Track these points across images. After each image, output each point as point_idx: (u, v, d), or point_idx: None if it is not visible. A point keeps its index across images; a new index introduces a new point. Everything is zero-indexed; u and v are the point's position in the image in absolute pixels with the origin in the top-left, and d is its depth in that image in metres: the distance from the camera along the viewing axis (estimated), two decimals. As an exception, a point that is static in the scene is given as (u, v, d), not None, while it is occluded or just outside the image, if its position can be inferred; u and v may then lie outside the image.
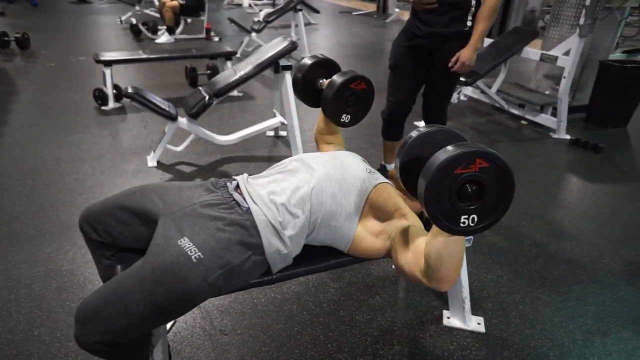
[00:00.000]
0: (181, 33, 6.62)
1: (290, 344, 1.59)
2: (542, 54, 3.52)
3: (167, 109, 2.66)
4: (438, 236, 1.05)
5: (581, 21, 3.16)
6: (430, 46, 2.17)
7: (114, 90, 3.71)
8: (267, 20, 5.63)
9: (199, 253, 1.08)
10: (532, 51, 3.63)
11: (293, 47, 2.78)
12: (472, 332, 1.67)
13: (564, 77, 3.35)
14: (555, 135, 3.60)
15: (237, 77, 2.72)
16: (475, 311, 1.74)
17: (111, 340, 1.00)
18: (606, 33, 3.86)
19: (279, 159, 2.99)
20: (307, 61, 1.69)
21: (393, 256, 1.26)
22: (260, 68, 2.73)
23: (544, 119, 3.72)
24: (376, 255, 1.34)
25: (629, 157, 3.43)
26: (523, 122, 3.92)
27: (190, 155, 2.96)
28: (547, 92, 4.14)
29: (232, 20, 5.81)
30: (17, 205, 2.31)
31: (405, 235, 1.23)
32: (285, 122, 3.00)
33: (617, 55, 4.57)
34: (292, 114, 2.91)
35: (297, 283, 1.88)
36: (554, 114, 3.73)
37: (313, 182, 1.26)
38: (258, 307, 1.74)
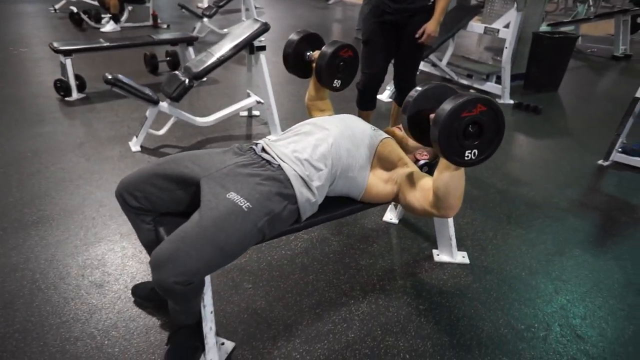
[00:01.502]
0: (126, 21, 6.42)
1: (309, 289, 1.80)
2: (485, 27, 3.89)
3: (149, 93, 2.71)
4: (444, 172, 1.30)
5: (518, -4, 3.55)
6: (399, 21, 2.41)
7: (77, 81, 3.64)
8: (219, 5, 5.63)
9: (248, 203, 1.26)
10: (476, 25, 3.99)
11: (266, 28, 2.91)
12: (459, 264, 1.97)
13: (506, 48, 3.75)
14: (500, 101, 4.03)
15: (214, 59, 2.82)
16: (458, 248, 2.04)
17: (185, 280, 1.16)
18: (534, 8, 4.32)
19: (257, 136, 3.21)
20: (295, 37, 1.88)
21: (401, 197, 1.51)
22: (237, 49, 2.85)
23: (490, 86, 4.13)
24: (384, 200, 1.57)
25: (563, 116, 3.92)
26: (472, 90, 4.31)
27: (171, 138, 3.03)
28: (489, 63, 4.57)
29: (182, 6, 5.74)
30: (9, 196, 2.30)
31: (410, 179, 1.47)
32: (262, 101, 3.14)
33: (543, 28, 5.10)
34: (268, 93, 3.06)
35: (302, 240, 2.08)
36: (497, 82, 4.16)
37: (331, 140, 1.47)
38: (272, 263, 1.93)
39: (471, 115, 1.17)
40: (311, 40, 1.90)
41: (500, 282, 1.88)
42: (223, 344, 1.51)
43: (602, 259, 2.05)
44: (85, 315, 1.61)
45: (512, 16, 3.66)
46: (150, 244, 1.51)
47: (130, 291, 1.72)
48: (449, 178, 1.30)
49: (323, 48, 1.76)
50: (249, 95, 3.27)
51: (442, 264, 1.97)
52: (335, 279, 1.86)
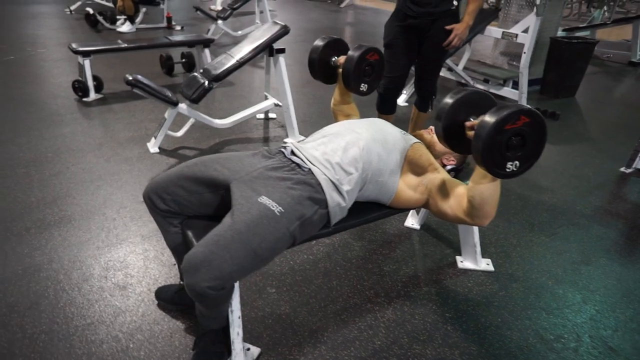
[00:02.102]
0: (141, 22, 6.46)
1: (333, 294, 1.78)
2: (503, 32, 3.85)
3: (169, 94, 2.71)
4: (481, 181, 1.28)
5: (538, 1, 3.51)
6: (422, 25, 2.40)
7: (94, 82, 3.66)
8: (233, 7, 5.65)
9: (280, 207, 1.25)
10: (494, 30, 3.96)
11: (286, 30, 2.91)
12: (483, 272, 1.94)
13: (524, 53, 3.71)
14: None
15: (234, 61, 2.82)
16: (482, 255, 2.01)
17: (219, 285, 1.14)
18: (551, 14, 4.28)
19: (274, 139, 3.20)
20: (319, 43, 1.87)
21: (431, 204, 1.49)
22: (256, 52, 2.85)
23: (507, 92, 4.09)
24: (414, 206, 1.56)
25: (582, 122, 3.87)
26: (488, 95, 4.27)
27: (189, 140, 3.03)
28: (505, 68, 4.53)
29: (197, 8, 5.76)
30: (31, 196, 2.31)
31: (442, 186, 1.45)
32: (280, 104, 3.13)
33: (558, 33, 5.05)
34: (287, 95, 3.05)
35: (324, 244, 2.06)
36: (514, 87, 4.12)
37: (362, 143, 1.45)
38: (295, 267, 1.91)
39: (515, 127, 1.15)
40: (336, 45, 1.89)
41: (526, 290, 1.84)
42: (249, 349, 1.49)
43: (630, 269, 2.01)
44: (109, 317, 1.61)
45: (531, 21, 3.62)
46: (177, 247, 1.50)
47: (153, 294, 1.71)
48: (485, 188, 1.28)
49: (349, 52, 1.74)
50: (266, 98, 3.27)
51: (466, 271, 1.94)
52: (359, 284, 1.84)
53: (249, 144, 3.09)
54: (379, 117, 2.79)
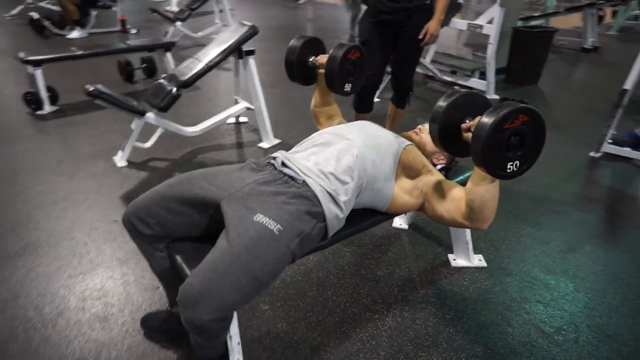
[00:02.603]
0: (93, 27, 6.12)
1: (330, 305, 1.71)
2: (468, 23, 3.89)
3: (135, 104, 2.55)
4: (480, 184, 1.24)
5: (500, -8, 3.56)
6: (397, 21, 2.35)
7: (48, 93, 3.41)
8: (192, 8, 5.44)
9: (278, 225, 1.16)
10: (459, 22, 3.99)
11: (255, 31, 2.80)
12: (477, 268, 1.93)
13: (490, 44, 3.76)
14: (486, 96, 4.04)
15: (202, 65, 2.68)
16: (473, 251, 1.99)
17: (221, 317, 1.05)
18: (512, 3, 4.36)
19: (248, 144, 3.08)
20: (296, 43, 1.78)
21: (427, 207, 1.44)
22: (226, 55, 2.72)
23: (475, 82, 4.14)
24: (410, 210, 1.51)
25: (548, 109, 3.97)
26: (456, 87, 4.31)
27: (159, 151, 2.87)
28: (469, 58, 4.59)
29: (154, 10, 5.51)
30: (-12, 224, 2.11)
31: (438, 188, 1.41)
32: (252, 107, 3.02)
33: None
34: (259, 98, 2.94)
35: (315, 254, 1.98)
36: (481, 78, 4.17)
37: (355, 151, 1.38)
38: (287, 280, 1.83)
39: (513, 126, 1.11)
40: (313, 44, 1.81)
41: (520, 284, 1.84)
42: (250, 374, 1.41)
43: (613, 252, 2.05)
44: (92, 354, 1.47)
45: (495, 12, 3.67)
46: (164, 273, 1.39)
47: (138, 323, 1.58)
48: (484, 190, 1.24)
49: (332, 52, 1.66)
50: (237, 102, 3.14)
51: (460, 269, 1.92)
52: (355, 292, 1.78)
53: (223, 150, 2.96)
54: (356, 116, 2.74)
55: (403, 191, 1.46)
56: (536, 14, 6.68)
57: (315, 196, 1.27)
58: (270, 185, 1.28)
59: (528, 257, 2.00)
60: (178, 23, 5.38)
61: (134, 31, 6.27)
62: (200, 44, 5.90)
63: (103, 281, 1.79)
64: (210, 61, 2.69)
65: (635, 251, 2.07)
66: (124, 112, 2.55)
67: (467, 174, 1.79)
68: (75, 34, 5.75)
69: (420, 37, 2.32)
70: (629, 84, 2.88)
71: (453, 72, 4.32)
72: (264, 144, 3.03)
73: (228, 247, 1.10)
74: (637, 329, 1.64)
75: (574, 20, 7.32)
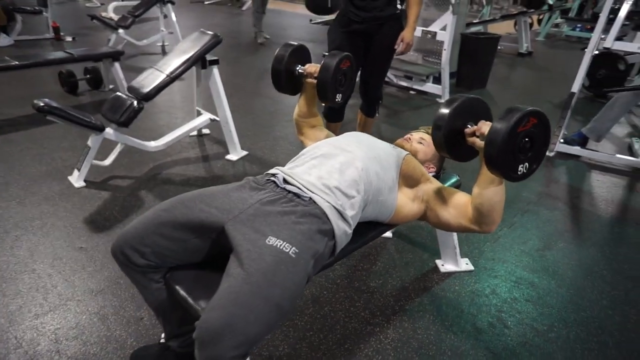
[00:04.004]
0: (20, 33, 5.62)
1: (329, 322, 1.66)
2: (422, 30, 4.01)
3: (92, 119, 2.35)
4: (488, 187, 1.26)
5: (453, 0, 3.70)
6: (368, 30, 2.35)
7: (-19, 108, 3.07)
8: (135, 15, 5.15)
9: (294, 248, 1.10)
10: (413, 29, 4.09)
11: (218, 40, 2.69)
12: (465, 272, 1.96)
13: (445, 50, 3.90)
14: (441, 100, 4.18)
15: (164, 76, 2.53)
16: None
17: (245, 352, 0.97)
18: (460, 11, 4.57)
19: (214, 156, 2.95)
20: (283, 52, 1.71)
21: (430, 215, 1.44)
22: (189, 65, 2.59)
23: (430, 87, 4.27)
24: (412, 219, 1.50)
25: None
26: (412, 92, 4.43)
27: (119, 168, 2.66)
28: (419, 63, 4.74)
29: (93, 17, 5.15)
30: None
31: (440, 195, 1.41)
32: (217, 119, 2.90)
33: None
34: (224, 109, 2.83)
35: (303, 268, 1.93)
36: (435, 82, 4.31)
37: (359, 164, 1.34)
38: (280, 299, 1.75)
39: (526, 129, 1.14)
40: (299, 53, 1.75)
41: (508, 284, 1.90)
42: (260, 406, 1.32)
43: (583, 247, 2.18)
44: (78, 403, 1.32)
45: (448, 19, 3.81)
46: (161, 305, 1.27)
47: (126, 361, 1.44)
48: (493, 193, 1.26)
49: (325, 61, 1.61)
50: (199, 113, 3.00)
51: (450, 274, 1.95)
52: (351, 306, 1.74)
53: (188, 165, 2.81)
54: (326, 125, 2.70)
55: (406, 200, 1.44)
56: (475, 21, 7.05)
57: (324, 213, 1.22)
58: (275, 205, 1.21)
59: (510, 258, 2.07)
60: (121, 30, 5.07)
61: (69, 39, 5.83)
62: (146, 52, 5.63)
63: (77, 317, 1.62)
64: (172, 72, 2.54)
65: (601, 244, 2.21)
66: (78, 127, 2.34)
67: (454, 179, 1.83)
68: (0, 41, 5.24)
69: (395, 46, 2.34)
70: (575, 88, 3.10)
71: (408, 77, 4.42)
72: (232, 156, 2.91)
73: (245, 276, 1.02)
74: (617, 320, 1.74)
75: (506, 27, 7.83)
